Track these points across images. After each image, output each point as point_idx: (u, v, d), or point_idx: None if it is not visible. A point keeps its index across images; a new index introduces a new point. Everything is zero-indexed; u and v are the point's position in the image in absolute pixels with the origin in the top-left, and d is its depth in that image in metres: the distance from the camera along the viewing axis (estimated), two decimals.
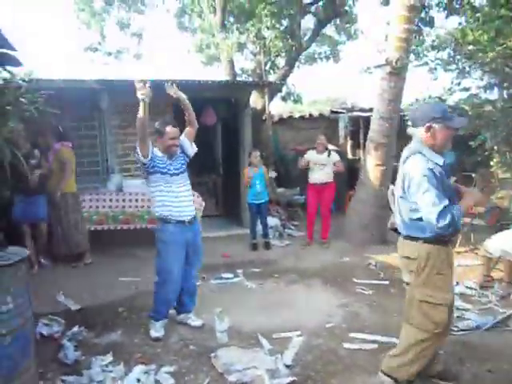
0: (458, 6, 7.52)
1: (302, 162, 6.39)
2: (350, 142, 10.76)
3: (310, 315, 3.90)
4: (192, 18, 11.59)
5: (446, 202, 2.31)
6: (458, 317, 3.82)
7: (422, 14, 8.81)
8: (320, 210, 6.45)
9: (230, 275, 5.06)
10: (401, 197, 2.57)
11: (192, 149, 3.66)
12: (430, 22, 9.14)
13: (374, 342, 3.37)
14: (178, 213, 3.45)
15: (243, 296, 4.46)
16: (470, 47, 4.59)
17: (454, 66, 5.02)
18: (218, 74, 13.30)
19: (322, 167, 6.29)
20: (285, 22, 9.54)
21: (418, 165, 2.40)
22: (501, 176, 7.52)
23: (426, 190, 2.34)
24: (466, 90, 5.51)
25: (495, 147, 5.88)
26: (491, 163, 6.48)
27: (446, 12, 7.90)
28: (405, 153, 2.57)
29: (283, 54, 9.80)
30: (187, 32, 12.22)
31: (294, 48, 9.17)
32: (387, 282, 4.80)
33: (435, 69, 5.26)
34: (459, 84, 5.42)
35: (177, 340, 3.47)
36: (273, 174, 8.38)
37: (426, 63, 5.29)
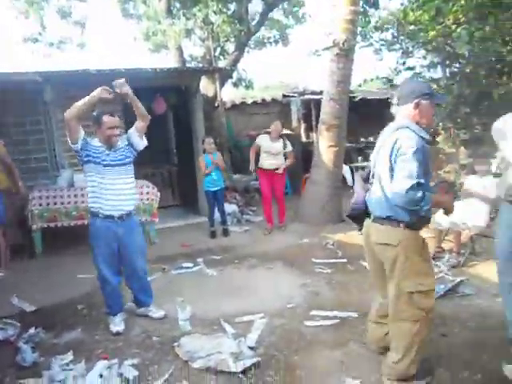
0: None
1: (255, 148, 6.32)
2: (303, 126, 10.88)
3: (271, 298, 3.96)
4: (137, 5, 11.23)
5: (422, 181, 2.24)
6: None
7: None
8: (274, 195, 6.46)
9: (190, 264, 5.04)
10: (384, 173, 2.39)
11: (141, 142, 3.52)
12: (375, 4, 9.32)
13: (334, 317, 3.47)
14: (108, 206, 3.33)
15: (204, 284, 4.46)
16: (412, 27, 4.72)
17: (397, 46, 5.15)
18: (167, 61, 13.03)
19: (274, 155, 6.20)
20: (232, 7, 9.44)
21: (409, 138, 2.29)
22: (447, 151, 7.86)
23: (409, 161, 2.24)
24: (411, 69, 5.67)
25: (440, 124, 6.14)
26: (437, 139, 6.74)
27: None
28: (389, 128, 2.47)
29: (232, 39, 9.71)
30: (132, 19, 11.84)
31: (242, 33, 9.10)
32: (345, 260, 4.93)
33: (380, 49, 5.38)
34: (404, 63, 5.58)
35: (139, 333, 3.43)
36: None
37: (371, 44, 5.40)
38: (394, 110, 2.51)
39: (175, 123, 9.01)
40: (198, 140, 6.98)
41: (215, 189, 6.28)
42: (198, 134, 7.22)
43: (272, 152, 6.18)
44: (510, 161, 2.61)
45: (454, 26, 4.46)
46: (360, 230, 2.72)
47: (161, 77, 6.70)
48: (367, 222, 2.57)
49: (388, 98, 7.01)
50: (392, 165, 2.33)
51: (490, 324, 3.20)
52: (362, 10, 9.19)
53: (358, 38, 6.03)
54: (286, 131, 9.97)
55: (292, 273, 4.64)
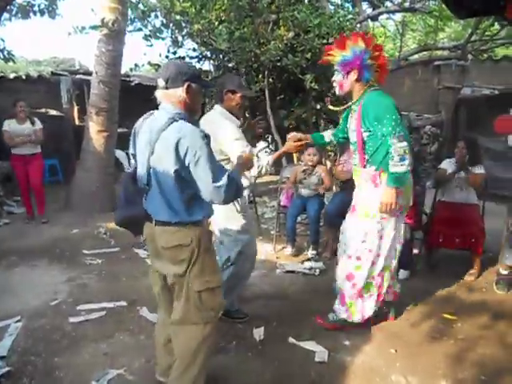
0: None
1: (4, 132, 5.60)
2: (76, 108, 10.11)
3: (32, 297, 3.59)
4: None
5: (227, 171, 2.05)
6: None
7: None
8: (30, 183, 5.83)
9: None
10: (166, 174, 2.04)
11: None
12: None
13: (101, 309, 3.36)
14: None
15: None
16: (178, 17, 4.84)
17: (165, 35, 5.22)
18: None
19: (25, 137, 5.60)
20: None
21: (192, 135, 1.97)
22: None
23: (208, 159, 1.97)
24: (182, 58, 5.84)
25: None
26: None
27: None
28: (156, 119, 2.09)
29: None
30: None
31: None
32: (118, 249, 4.82)
33: (150, 36, 5.36)
34: (175, 53, 5.69)
35: None
36: None
37: (141, 29, 5.34)
38: (158, 93, 2.10)
39: None
40: None
41: None
42: None
43: (23, 134, 5.59)
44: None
45: (216, 23, 4.77)
46: (135, 235, 2.35)
47: None
48: (150, 226, 2.17)
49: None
50: (180, 170, 1.99)
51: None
52: None
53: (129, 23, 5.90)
54: (54, 112, 9.12)
55: (58, 267, 4.29)
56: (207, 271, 2.17)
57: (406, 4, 8.30)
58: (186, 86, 2.05)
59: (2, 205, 6.60)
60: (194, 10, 4.71)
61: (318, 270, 4.18)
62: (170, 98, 2.08)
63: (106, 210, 6.11)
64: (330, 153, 7.87)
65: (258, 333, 3.01)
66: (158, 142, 2.01)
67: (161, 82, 2.08)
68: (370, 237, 2.91)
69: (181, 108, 2.08)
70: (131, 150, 2.25)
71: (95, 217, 5.93)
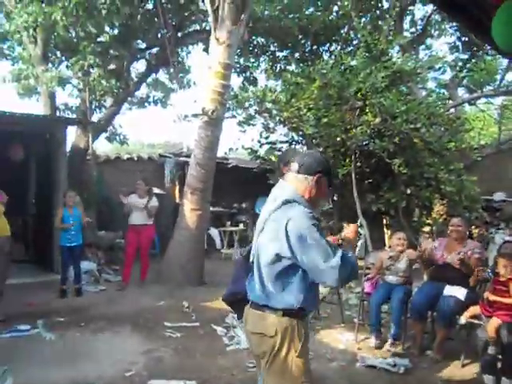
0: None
1: (124, 204, 6.43)
2: (178, 187, 10.94)
3: (110, 365, 3.72)
4: (13, 45, 10.67)
5: (340, 251, 1.94)
6: None
7: (247, 74, 9.87)
8: (140, 252, 6.44)
9: (26, 327, 4.55)
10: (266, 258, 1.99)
11: None
12: (254, 81, 10.18)
13: None
14: None
15: (38, 350, 4.03)
16: (270, 105, 5.19)
17: (257, 122, 5.58)
18: (37, 107, 12.34)
19: (141, 210, 6.34)
20: (112, 62, 9.47)
21: (301, 213, 1.95)
22: None
23: (316, 238, 1.91)
24: (273, 143, 6.15)
25: None
26: None
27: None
28: (273, 200, 2.06)
29: (110, 94, 9.64)
30: (7, 60, 11.17)
31: (120, 89, 9.12)
32: (198, 324, 4.87)
33: (243, 122, 5.77)
34: (267, 138, 6.03)
35: None
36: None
37: (234, 116, 5.79)
38: (289, 176, 2.12)
39: (37, 172, 8.41)
40: (59, 192, 6.61)
41: (72, 245, 5.91)
42: (60, 185, 6.84)
43: (139, 206, 6.33)
44: None
45: (305, 110, 5.02)
46: (239, 318, 2.29)
47: (23, 122, 6.34)
48: (246, 307, 2.12)
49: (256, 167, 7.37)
50: (281, 254, 1.94)
51: None
52: (242, 85, 9.98)
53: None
54: (158, 191, 9.93)
55: (139, 337, 4.43)
56: (287, 376, 1.93)
57: (504, 89, 8.03)
58: (316, 176, 2.07)
59: (101, 272, 7.13)
60: (284, 100, 5.03)
61: (402, 368, 3.79)
62: (297, 183, 2.08)
63: (194, 284, 6.33)
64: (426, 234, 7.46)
65: None
66: (268, 221, 2.01)
67: (294, 166, 2.12)
68: None
69: (305, 195, 2.07)
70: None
71: (182, 290, 6.13)
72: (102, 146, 12.07)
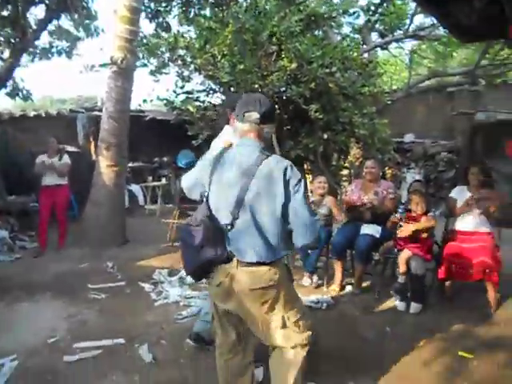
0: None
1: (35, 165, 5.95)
2: (93, 143, 10.34)
3: (30, 334, 3.52)
4: None
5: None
6: (185, 305, 4.09)
7: (160, 20, 9.29)
8: (56, 215, 6.07)
9: None
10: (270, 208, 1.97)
11: None
12: (167, 27, 9.62)
13: (98, 347, 3.27)
14: None
15: None
16: (183, 52, 4.93)
17: (171, 70, 5.31)
18: None
19: (53, 170, 5.92)
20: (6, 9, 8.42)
21: (292, 165, 2.00)
22: None
23: (305, 192, 2.00)
24: (190, 93, 5.91)
25: None
26: None
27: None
28: (247, 156, 2.01)
29: (6, 44, 8.64)
30: None
31: (17, 38, 8.19)
32: (123, 283, 4.76)
33: (156, 71, 5.46)
34: (183, 87, 5.77)
35: None
36: None
37: (146, 65, 5.45)
38: (245, 127, 2.05)
39: None
40: None
41: None
42: None
43: (51, 166, 5.94)
44: None
45: (219, 57, 4.83)
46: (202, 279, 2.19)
47: None
48: (226, 268, 2.02)
49: (174, 119, 7.08)
50: (284, 199, 1.95)
51: None
52: (155, 32, 9.38)
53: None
54: (71, 149, 9.32)
55: (61, 303, 4.23)
56: (293, 300, 2.15)
57: (413, 32, 8.31)
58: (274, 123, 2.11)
59: (15, 240, 6.67)
60: (197, 46, 4.79)
61: (325, 304, 4.02)
62: (257, 133, 2.06)
63: (117, 243, 6.14)
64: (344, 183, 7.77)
65: (258, 373, 2.86)
66: (255, 178, 1.95)
67: (255, 115, 2.03)
68: None
69: (262, 144, 2.07)
70: (201, 189, 2.14)
71: (105, 250, 5.93)
72: (4, 103, 11.00)
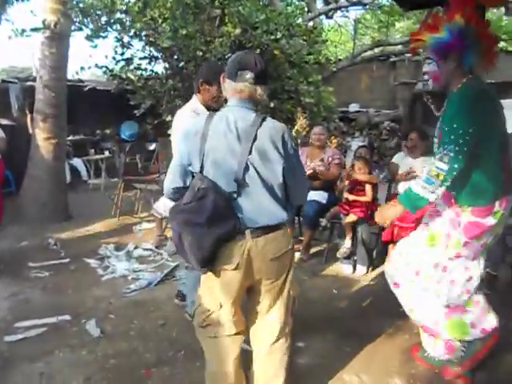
0: None
1: None
2: (29, 116, 9.73)
3: None
4: None
5: None
6: (133, 278, 4.02)
7: None
8: None
9: None
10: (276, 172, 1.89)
11: None
12: None
13: (42, 325, 3.15)
14: None
15: None
16: (121, 15, 4.67)
17: (109, 35, 5.03)
18: None
19: None
20: None
21: (287, 129, 1.95)
22: None
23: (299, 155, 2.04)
24: (130, 60, 5.65)
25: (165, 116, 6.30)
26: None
27: None
28: (243, 118, 1.87)
29: None
30: None
31: None
32: (68, 260, 4.59)
33: (92, 36, 5.15)
34: (122, 54, 5.50)
35: None
36: None
37: (81, 29, 5.12)
38: (246, 87, 1.88)
39: None
40: None
41: None
42: None
43: None
44: None
45: (160, 21, 4.63)
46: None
47: None
48: (242, 244, 1.86)
49: (114, 88, 6.75)
50: (284, 160, 1.88)
51: None
52: None
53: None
54: (5, 122, 8.73)
55: (0, 284, 4.03)
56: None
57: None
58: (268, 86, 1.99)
59: None
60: (136, 8, 4.55)
61: None
62: (251, 94, 1.90)
63: (59, 219, 5.88)
64: None
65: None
66: (256, 140, 1.82)
67: (250, 75, 1.88)
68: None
69: (255, 105, 1.95)
70: (191, 161, 1.91)
71: (47, 227, 5.66)
72: None
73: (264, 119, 1.88)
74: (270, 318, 2.05)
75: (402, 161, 4.37)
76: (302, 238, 4.65)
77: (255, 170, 1.83)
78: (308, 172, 4.37)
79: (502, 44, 9.73)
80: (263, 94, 1.95)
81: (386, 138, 9.69)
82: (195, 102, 2.80)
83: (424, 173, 2.21)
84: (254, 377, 2.15)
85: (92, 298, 3.62)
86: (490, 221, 2.21)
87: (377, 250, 4.36)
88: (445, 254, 2.33)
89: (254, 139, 1.83)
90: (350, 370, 2.56)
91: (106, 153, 9.74)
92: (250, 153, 1.82)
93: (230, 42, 4.61)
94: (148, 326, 3.12)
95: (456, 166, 2.07)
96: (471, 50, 2.15)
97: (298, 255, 4.51)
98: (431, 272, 2.37)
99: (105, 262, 4.46)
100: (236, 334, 2.03)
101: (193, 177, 1.91)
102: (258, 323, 2.09)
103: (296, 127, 7.62)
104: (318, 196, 4.40)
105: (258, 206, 1.86)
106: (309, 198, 4.39)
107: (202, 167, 1.86)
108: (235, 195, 1.84)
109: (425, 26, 2.31)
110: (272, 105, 5.46)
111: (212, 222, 1.77)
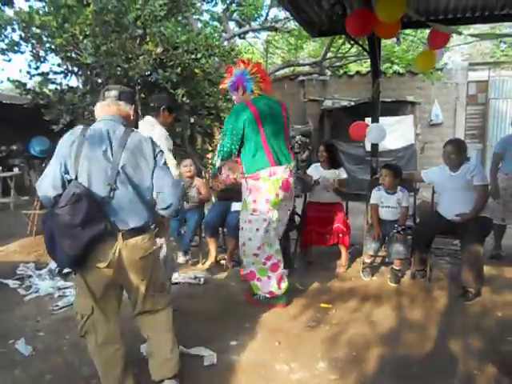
0: None
1: None
2: None
3: None
4: None
5: None
6: (59, 296, 3.94)
7: None
8: None
9: None
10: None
11: None
12: (9, 2, 8.63)
13: None
14: None
15: None
16: (38, 31, 4.60)
17: (25, 49, 4.91)
18: None
19: None
20: None
21: (151, 138, 2.33)
22: None
23: (165, 161, 2.32)
24: (46, 74, 5.52)
25: None
26: None
27: None
28: (115, 130, 2.16)
29: None
30: None
31: None
32: None
33: (7, 50, 4.98)
34: (37, 68, 5.37)
35: None
36: None
37: None
38: (111, 105, 2.26)
39: None
40: None
41: None
42: None
43: None
44: None
45: (81, 37, 4.63)
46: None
47: None
48: (112, 245, 2.11)
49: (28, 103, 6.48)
50: (152, 166, 2.20)
51: None
52: None
53: None
54: None
55: None
56: (159, 265, 2.48)
57: (268, 24, 8.90)
58: (133, 106, 2.35)
59: None
60: (55, 24, 4.51)
61: (202, 279, 4.25)
62: (117, 108, 2.25)
63: None
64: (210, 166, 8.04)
65: (145, 348, 2.96)
66: (126, 148, 2.11)
67: (113, 92, 2.27)
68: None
69: (125, 120, 2.27)
70: (68, 169, 2.08)
71: None
72: None
73: (132, 130, 2.21)
74: (148, 308, 2.36)
75: (316, 171, 4.79)
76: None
77: (126, 176, 2.10)
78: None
79: (394, 67, 10.91)
80: (129, 110, 2.32)
81: (297, 152, 10.28)
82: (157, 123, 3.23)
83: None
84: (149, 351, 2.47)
85: (17, 318, 3.51)
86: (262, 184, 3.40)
87: (296, 254, 4.72)
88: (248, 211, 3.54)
89: (125, 148, 2.11)
90: (279, 361, 2.81)
91: (16, 169, 9.19)
92: (122, 160, 2.10)
93: (152, 60, 4.75)
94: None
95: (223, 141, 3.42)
96: (249, 81, 3.41)
97: (223, 263, 4.74)
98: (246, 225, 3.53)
99: (26, 282, 4.30)
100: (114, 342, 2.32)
101: (69, 183, 2.09)
102: (142, 317, 2.40)
103: (215, 141, 7.88)
104: (241, 207, 4.65)
105: (128, 208, 2.12)
106: (233, 209, 4.65)
107: (76, 174, 2.06)
108: (108, 199, 2.07)
109: (226, 72, 3.57)
110: (192, 120, 5.66)
111: (85, 224, 1.96)
